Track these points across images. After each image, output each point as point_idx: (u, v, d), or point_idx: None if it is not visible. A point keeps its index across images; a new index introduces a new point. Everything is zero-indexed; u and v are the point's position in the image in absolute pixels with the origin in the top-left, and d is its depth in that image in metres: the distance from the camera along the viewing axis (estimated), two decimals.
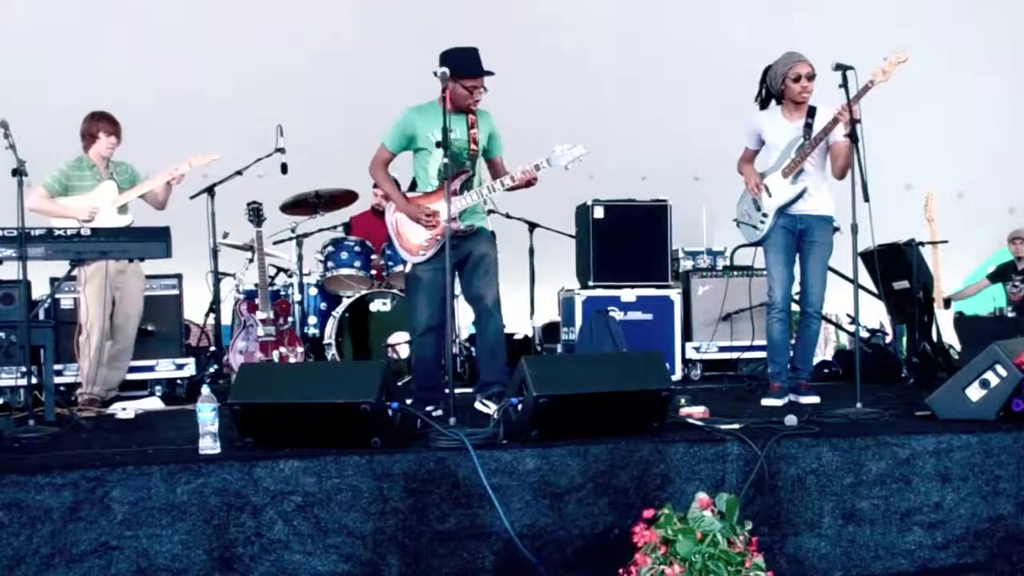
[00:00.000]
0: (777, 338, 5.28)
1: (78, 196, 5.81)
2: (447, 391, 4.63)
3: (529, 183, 4.99)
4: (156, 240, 5.04)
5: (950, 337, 6.61)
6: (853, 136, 4.75)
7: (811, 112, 5.21)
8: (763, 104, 5.40)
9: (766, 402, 5.16)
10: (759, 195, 5.29)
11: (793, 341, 5.42)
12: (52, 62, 8.10)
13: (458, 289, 5.25)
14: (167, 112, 8.12)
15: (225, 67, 8.46)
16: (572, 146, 4.91)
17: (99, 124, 5.86)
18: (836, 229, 5.33)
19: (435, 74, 4.74)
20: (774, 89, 5.28)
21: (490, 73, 4.88)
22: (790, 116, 5.27)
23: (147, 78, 8.29)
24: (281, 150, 6.70)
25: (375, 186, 7.19)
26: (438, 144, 4.78)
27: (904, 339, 6.83)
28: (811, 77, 5.15)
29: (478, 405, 4.89)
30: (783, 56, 5.24)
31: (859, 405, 4.55)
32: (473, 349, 7.28)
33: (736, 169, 5.50)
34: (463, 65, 4.80)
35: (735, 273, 7.31)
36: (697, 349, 7.19)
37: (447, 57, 4.83)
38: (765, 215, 5.29)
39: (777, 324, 5.26)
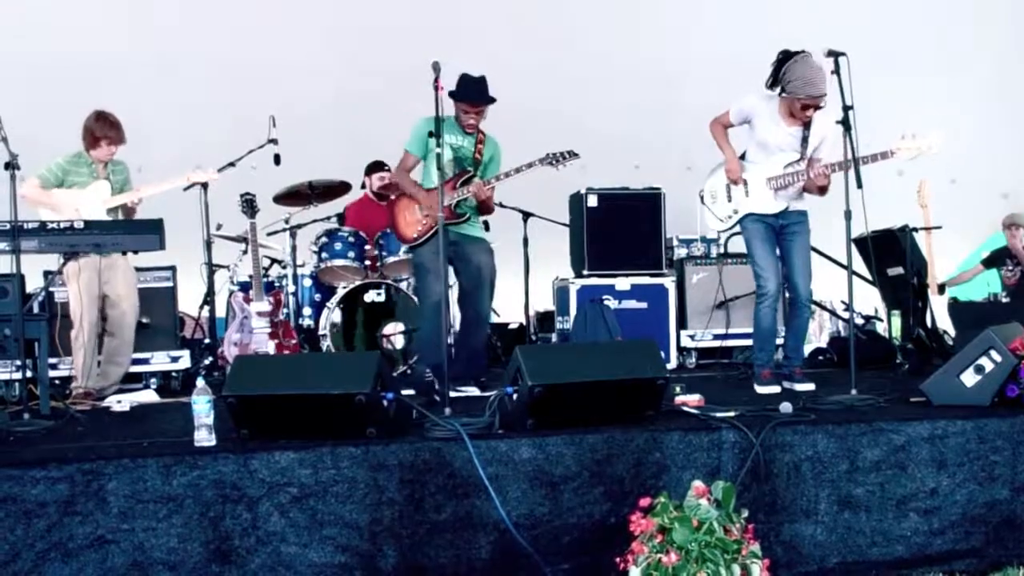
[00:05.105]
0: (768, 326, 5.28)
1: (71, 190, 5.77)
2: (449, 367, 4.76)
3: (485, 203, 5.41)
4: (149, 232, 5.07)
5: (945, 323, 6.62)
6: (845, 123, 4.73)
7: (807, 123, 5.15)
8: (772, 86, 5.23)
9: (760, 390, 5.17)
10: (736, 187, 5.28)
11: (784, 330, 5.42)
12: (49, 58, 8.07)
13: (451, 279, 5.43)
14: (161, 109, 8.09)
15: (221, 64, 8.44)
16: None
17: (104, 131, 5.76)
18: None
19: (441, 87, 4.83)
20: (785, 87, 5.09)
21: (491, 101, 5.31)
22: (788, 118, 5.19)
23: (142, 73, 8.27)
24: (274, 141, 6.68)
25: (368, 173, 7.45)
26: (455, 154, 5.36)
27: (894, 322, 6.83)
28: (819, 107, 5.06)
29: (453, 393, 4.97)
30: (805, 78, 4.95)
31: (854, 392, 4.56)
32: None
33: (709, 128, 5.36)
34: (462, 91, 5.30)
35: (729, 261, 7.31)
36: (692, 337, 7.19)
37: (458, 80, 5.28)
38: (735, 211, 5.29)
39: (770, 312, 5.25)
